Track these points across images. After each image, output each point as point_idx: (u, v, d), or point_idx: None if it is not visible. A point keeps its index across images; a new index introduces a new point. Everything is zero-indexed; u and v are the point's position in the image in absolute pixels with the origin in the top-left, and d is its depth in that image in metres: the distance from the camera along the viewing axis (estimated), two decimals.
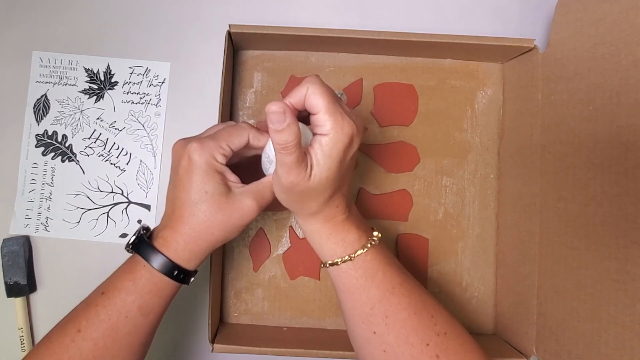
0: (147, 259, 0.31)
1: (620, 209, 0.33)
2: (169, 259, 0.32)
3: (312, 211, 0.33)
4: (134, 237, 0.33)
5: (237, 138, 0.33)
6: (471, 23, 0.50)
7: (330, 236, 0.33)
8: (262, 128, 0.34)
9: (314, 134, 0.30)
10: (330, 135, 0.29)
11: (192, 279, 0.34)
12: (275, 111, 0.28)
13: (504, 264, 0.47)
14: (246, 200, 0.33)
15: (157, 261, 0.31)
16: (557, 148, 0.40)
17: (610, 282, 0.34)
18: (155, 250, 0.32)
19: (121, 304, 0.31)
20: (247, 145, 0.34)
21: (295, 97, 0.30)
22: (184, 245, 0.32)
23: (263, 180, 0.34)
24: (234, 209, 0.32)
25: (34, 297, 0.46)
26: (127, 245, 0.33)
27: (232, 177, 0.33)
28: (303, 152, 0.30)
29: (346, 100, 0.33)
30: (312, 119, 0.30)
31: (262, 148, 0.34)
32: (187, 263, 0.32)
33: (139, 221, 0.47)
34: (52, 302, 0.46)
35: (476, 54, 0.47)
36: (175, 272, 0.32)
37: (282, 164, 0.30)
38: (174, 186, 0.33)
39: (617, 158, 0.34)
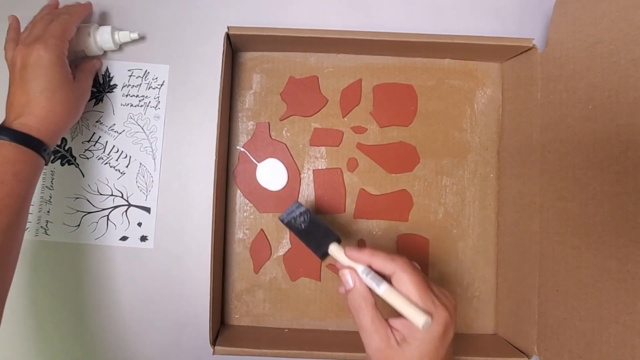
0: (13, 140, 0.36)
1: (620, 208, 0.33)
2: (33, 136, 0.37)
3: None
4: None
5: (70, 32, 0.40)
6: (470, 23, 0.50)
7: None
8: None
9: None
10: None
11: (52, 156, 0.45)
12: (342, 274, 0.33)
13: (504, 264, 0.47)
14: (85, 84, 0.43)
15: (22, 139, 0.37)
16: (556, 147, 0.40)
17: (610, 281, 0.34)
18: (18, 132, 0.37)
19: None
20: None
21: (378, 265, 0.32)
22: (47, 126, 0.38)
23: None
24: (80, 92, 0.42)
25: None
26: None
27: (69, 69, 0.40)
28: (379, 317, 0.31)
29: None
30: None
31: None
32: (49, 140, 0.39)
33: (139, 224, 0.47)
34: (52, 306, 0.46)
35: (475, 54, 0.47)
36: (39, 146, 0.38)
37: (359, 327, 0.32)
38: (25, 80, 0.38)
39: (616, 157, 0.34)
